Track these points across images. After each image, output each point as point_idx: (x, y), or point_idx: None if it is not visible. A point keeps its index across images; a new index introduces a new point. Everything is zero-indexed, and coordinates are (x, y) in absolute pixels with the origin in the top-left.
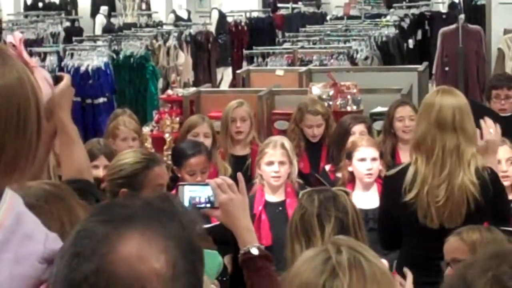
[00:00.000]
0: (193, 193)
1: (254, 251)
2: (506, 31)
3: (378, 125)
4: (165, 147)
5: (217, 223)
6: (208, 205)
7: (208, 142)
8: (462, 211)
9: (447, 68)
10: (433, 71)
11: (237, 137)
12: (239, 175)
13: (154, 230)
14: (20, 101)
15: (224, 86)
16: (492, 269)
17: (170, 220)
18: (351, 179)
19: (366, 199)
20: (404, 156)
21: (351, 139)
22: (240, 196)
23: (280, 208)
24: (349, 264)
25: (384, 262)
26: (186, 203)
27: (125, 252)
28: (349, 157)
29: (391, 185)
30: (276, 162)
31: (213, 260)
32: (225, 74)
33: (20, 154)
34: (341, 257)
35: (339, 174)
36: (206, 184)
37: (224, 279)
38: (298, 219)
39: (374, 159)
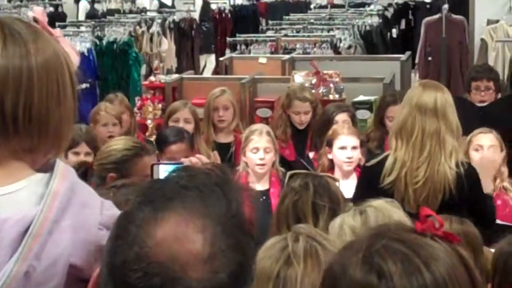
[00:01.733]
0: (168, 172)
1: None
2: (489, 22)
3: (360, 114)
4: (147, 134)
5: None
6: None
7: (189, 127)
8: (439, 196)
9: (430, 58)
10: (416, 61)
11: (220, 125)
12: (215, 154)
13: (193, 208)
14: (58, 73)
15: (207, 73)
16: (363, 249)
17: (213, 195)
18: (331, 166)
19: (345, 187)
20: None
21: (332, 127)
22: None
23: (264, 197)
24: (304, 252)
25: None
26: None
27: (162, 235)
28: (330, 144)
29: (368, 174)
30: (261, 149)
31: None
32: (208, 61)
33: (63, 122)
34: (297, 245)
35: (320, 162)
36: (181, 163)
37: None
38: (290, 205)
39: (354, 148)
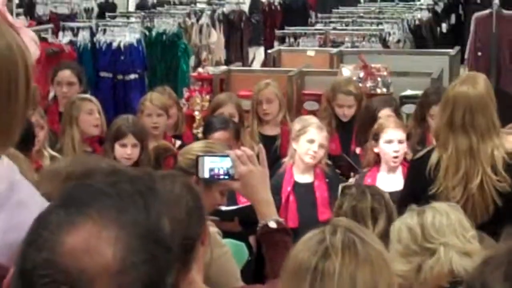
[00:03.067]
0: (213, 164)
1: (272, 225)
2: None
3: (407, 108)
4: (194, 125)
5: (243, 205)
6: (227, 176)
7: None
8: (490, 208)
9: (479, 53)
10: (466, 56)
11: (265, 118)
12: (260, 147)
13: (108, 217)
14: (10, 67)
15: (256, 65)
16: (505, 264)
17: (133, 205)
18: (377, 160)
19: (391, 181)
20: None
21: (378, 121)
22: (260, 168)
23: (309, 190)
24: (342, 245)
25: None
26: (206, 174)
27: (73, 244)
28: (376, 138)
29: (416, 169)
30: (317, 143)
31: (239, 253)
32: (257, 54)
33: (13, 119)
34: (335, 238)
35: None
36: (226, 156)
37: (249, 259)
38: (349, 210)
39: (401, 141)
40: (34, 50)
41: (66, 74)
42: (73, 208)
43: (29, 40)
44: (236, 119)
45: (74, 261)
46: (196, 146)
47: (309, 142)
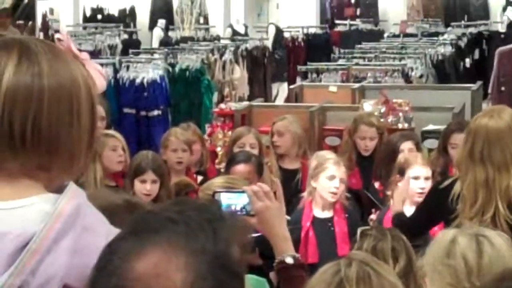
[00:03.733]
0: (230, 200)
1: (289, 260)
2: None
3: (429, 143)
4: (216, 161)
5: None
6: (244, 212)
7: (254, 152)
8: None
9: (503, 88)
10: (489, 91)
11: (276, 151)
12: (277, 181)
13: (178, 244)
14: (73, 95)
15: (280, 101)
16: None
17: (201, 232)
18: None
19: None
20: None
21: (405, 155)
22: (276, 204)
23: (329, 225)
24: (357, 277)
25: None
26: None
27: (143, 269)
28: (401, 173)
29: (439, 196)
30: (337, 178)
31: None
32: (280, 90)
33: (76, 144)
34: (350, 270)
35: (389, 192)
36: (243, 192)
37: None
38: (369, 249)
39: (427, 178)
40: (100, 82)
41: (99, 109)
42: (143, 235)
43: (95, 71)
44: (256, 151)
45: (143, 286)
46: (217, 181)
47: (329, 178)
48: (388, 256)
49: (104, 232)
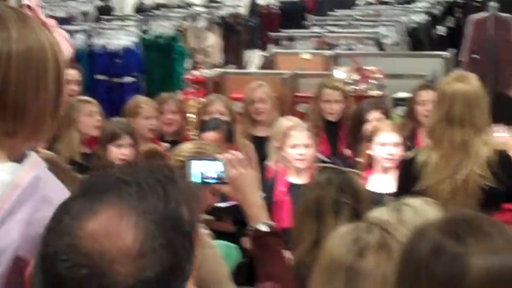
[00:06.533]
0: (204, 168)
1: (263, 228)
2: None
3: (401, 110)
4: (189, 127)
5: (236, 203)
6: (218, 180)
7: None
8: (473, 201)
9: (476, 56)
10: (462, 59)
11: (257, 118)
12: (251, 150)
13: (129, 204)
14: (40, 62)
15: (253, 68)
16: (448, 218)
17: (152, 193)
18: (371, 162)
19: (384, 183)
20: (424, 141)
21: (373, 123)
22: (250, 172)
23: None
24: (378, 244)
25: None
26: (197, 179)
27: (94, 228)
28: (370, 140)
29: (406, 168)
30: (301, 145)
31: (230, 254)
32: (254, 57)
33: (42, 111)
34: (370, 237)
35: (359, 159)
36: (217, 159)
37: (243, 260)
38: (313, 199)
39: (396, 144)
40: (67, 48)
41: (74, 73)
42: (95, 196)
43: (61, 38)
44: (226, 117)
45: (94, 244)
46: (186, 147)
47: (293, 146)
48: (329, 211)
49: None
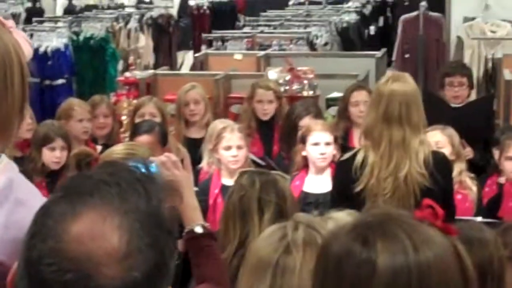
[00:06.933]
0: None
1: (198, 230)
2: (465, 19)
3: (333, 110)
4: (121, 130)
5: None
6: None
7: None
8: (411, 202)
9: (407, 55)
10: (393, 58)
11: (191, 119)
12: (184, 151)
13: (111, 205)
14: (6, 64)
15: (186, 69)
16: (357, 221)
17: (133, 192)
18: (306, 163)
19: (319, 183)
20: (358, 141)
21: (305, 123)
22: (184, 173)
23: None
24: (304, 241)
25: None
26: None
27: (78, 231)
28: (303, 141)
29: (343, 169)
30: (234, 147)
31: None
32: (186, 58)
33: (9, 114)
34: (296, 234)
35: (294, 160)
36: (150, 162)
37: (177, 262)
38: (236, 201)
39: (328, 144)
40: (27, 49)
41: None
42: (76, 198)
43: (21, 39)
44: (158, 119)
45: (80, 247)
46: (117, 149)
47: (226, 148)
48: (254, 210)
49: (38, 206)
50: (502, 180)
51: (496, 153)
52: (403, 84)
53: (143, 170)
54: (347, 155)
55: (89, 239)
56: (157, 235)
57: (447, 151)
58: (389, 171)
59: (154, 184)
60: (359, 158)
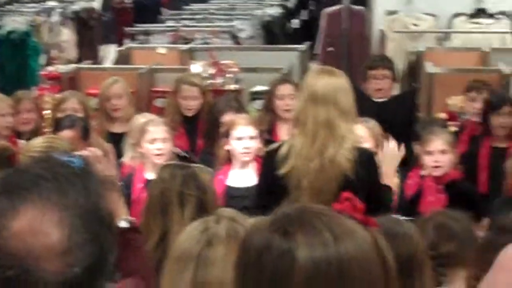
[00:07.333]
0: None
1: (123, 224)
2: (388, 13)
3: (257, 104)
4: (43, 124)
5: None
6: None
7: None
8: (334, 186)
9: (330, 49)
10: (317, 51)
11: (114, 114)
12: (109, 146)
13: (50, 200)
14: None
15: (109, 63)
16: (277, 215)
17: (72, 187)
18: (230, 158)
19: (243, 177)
20: (283, 134)
21: (228, 117)
22: (109, 168)
23: None
24: (226, 233)
25: None
26: None
27: (18, 227)
28: (227, 135)
29: (268, 160)
30: (159, 140)
31: None
32: (109, 52)
33: None
34: (218, 227)
35: (218, 154)
36: (72, 156)
37: None
38: (158, 194)
39: (252, 138)
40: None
41: None
42: (15, 194)
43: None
44: (81, 114)
45: (20, 243)
46: (37, 143)
47: (151, 142)
48: (174, 203)
49: None
50: (425, 172)
51: (417, 147)
52: (332, 76)
53: (76, 164)
54: (272, 146)
55: (29, 235)
56: (97, 230)
57: (369, 144)
58: (315, 150)
59: (92, 178)
60: (285, 147)
